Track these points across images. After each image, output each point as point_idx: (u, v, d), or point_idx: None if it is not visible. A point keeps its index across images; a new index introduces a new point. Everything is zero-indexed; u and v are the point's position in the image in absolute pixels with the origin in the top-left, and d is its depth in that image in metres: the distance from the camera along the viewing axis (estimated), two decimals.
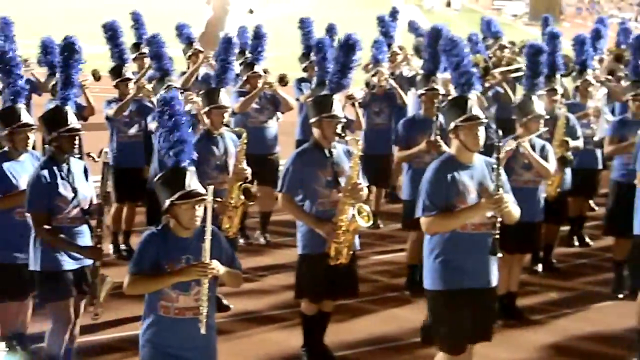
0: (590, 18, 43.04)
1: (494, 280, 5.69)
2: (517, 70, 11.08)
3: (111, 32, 10.06)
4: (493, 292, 5.79)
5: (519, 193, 6.17)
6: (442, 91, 8.33)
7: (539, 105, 7.78)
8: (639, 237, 6.88)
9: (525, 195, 7.23)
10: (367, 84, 10.42)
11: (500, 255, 5.57)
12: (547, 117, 7.90)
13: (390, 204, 11.26)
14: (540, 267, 9.16)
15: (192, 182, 4.98)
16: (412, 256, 8.34)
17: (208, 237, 4.86)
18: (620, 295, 8.36)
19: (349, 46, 6.99)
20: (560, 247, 9.79)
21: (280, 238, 9.96)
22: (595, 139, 9.59)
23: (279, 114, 10.05)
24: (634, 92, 8.55)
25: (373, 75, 10.38)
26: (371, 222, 6.50)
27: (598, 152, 9.76)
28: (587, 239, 10.15)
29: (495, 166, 5.48)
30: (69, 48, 6.50)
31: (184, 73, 10.68)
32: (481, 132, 5.58)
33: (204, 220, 4.89)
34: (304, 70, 10.90)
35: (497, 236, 5.45)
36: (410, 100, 11.01)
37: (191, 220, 4.93)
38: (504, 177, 5.67)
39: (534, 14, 47.23)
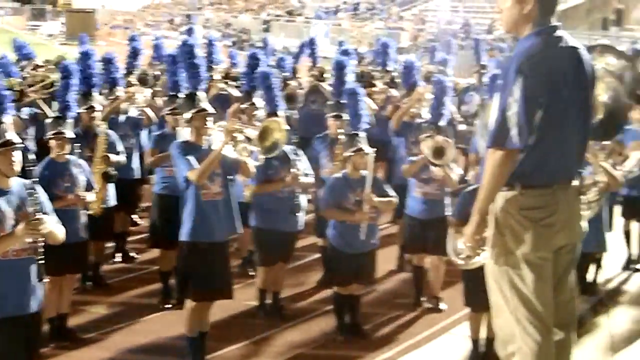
0: (124, 36, 43.97)
1: (38, 305, 5.72)
2: (52, 84, 11.14)
3: None
4: (38, 318, 5.82)
5: (62, 214, 6.30)
6: None
7: (69, 125, 7.88)
8: (183, 243, 7.16)
9: (69, 215, 7.35)
10: None
11: (47, 279, 5.60)
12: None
13: None
14: (89, 284, 9.25)
15: None
16: None
17: None
18: (168, 305, 8.70)
19: None
20: (108, 264, 9.96)
21: None
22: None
23: None
24: (171, 107, 8.99)
25: None
26: None
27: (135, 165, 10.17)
28: (133, 254, 10.40)
29: (32, 189, 5.50)
30: None
31: None
32: (17, 156, 5.60)
33: None
34: None
35: (42, 261, 5.46)
36: None
37: None
38: (43, 197, 5.73)
39: (70, 33, 47.34)
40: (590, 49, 6.02)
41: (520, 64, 4.30)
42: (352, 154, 7.95)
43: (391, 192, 8.10)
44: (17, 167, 5.61)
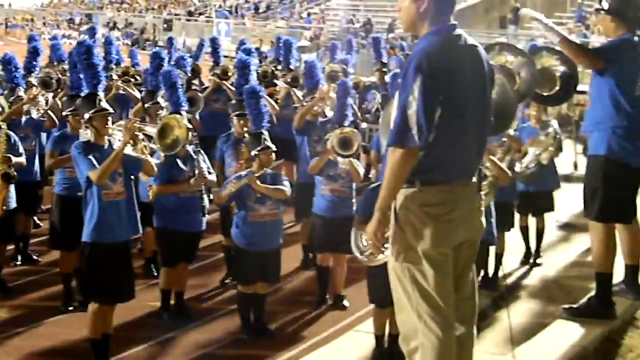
0: (23, 35, 43.19)
1: None
2: None
3: None
4: None
5: None
6: None
7: None
8: (85, 244, 7.03)
9: None
10: None
11: None
12: None
13: None
14: None
15: None
16: None
17: None
18: (71, 308, 8.56)
19: None
20: (9, 267, 9.75)
21: None
22: None
23: None
24: (72, 107, 8.75)
25: None
26: None
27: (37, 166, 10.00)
28: (34, 256, 10.24)
29: None
30: None
31: None
32: None
33: None
34: None
35: None
36: None
37: None
38: None
39: None
40: (490, 47, 6.13)
41: (419, 63, 4.32)
42: (259, 152, 7.97)
43: (286, 184, 8.11)
44: None
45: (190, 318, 8.54)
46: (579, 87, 7.63)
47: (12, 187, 8.74)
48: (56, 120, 10.08)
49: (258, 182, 7.83)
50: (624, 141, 6.58)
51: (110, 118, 7.23)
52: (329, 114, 9.91)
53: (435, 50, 4.38)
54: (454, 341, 4.55)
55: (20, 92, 10.38)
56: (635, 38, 6.62)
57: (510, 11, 35.46)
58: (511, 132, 8.54)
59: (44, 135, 10.39)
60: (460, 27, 4.59)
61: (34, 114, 10.28)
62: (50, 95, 11.13)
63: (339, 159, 8.58)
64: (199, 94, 12.15)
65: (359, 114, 12.02)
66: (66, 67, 12.63)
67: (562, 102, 9.45)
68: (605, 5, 6.65)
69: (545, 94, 7.21)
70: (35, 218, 11.03)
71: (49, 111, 10.31)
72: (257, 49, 18.77)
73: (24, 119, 10.10)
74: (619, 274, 7.16)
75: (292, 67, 14.14)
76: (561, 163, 11.02)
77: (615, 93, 6.55)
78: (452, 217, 4.51)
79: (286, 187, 8.06)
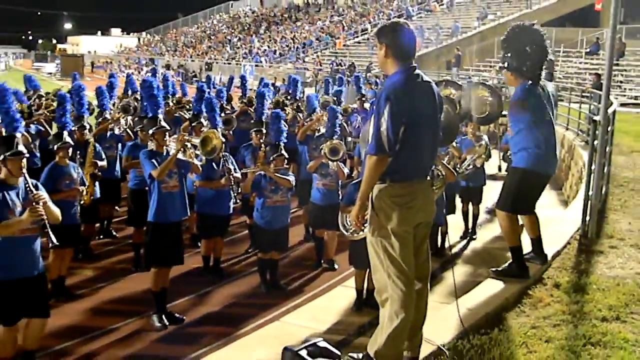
0: (105, 74, 43.17)
1: (41, 269, 5.55)
2: (53, 110, 10.90)
3: None
4: (43, 278, 5.63)
5: (63, 204, 6.23)
6: None
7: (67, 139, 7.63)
8: (150, 223, 7.05)
9: (68, 205, 7.21)
10: None
11: (55, 244, 5.34)
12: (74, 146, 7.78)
13: None
14: (80, 255, 8.95)
15: None
16: None
17: None
18: (139, 269, 8.52)
19: None
20: (95, 240, 9.68)
21: None
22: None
23: None
24: (141, 125, 8.81)
25: None
26: None
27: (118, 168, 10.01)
28: (113, 232, 10.21)
29: (26, 185, 5.34)
30: None
31: None
32: (24, 162, 5.43)
33: None
34: None
35: (49, 230, 5.26)
36: None
37: None
38: (43, 190, 5.54)
39: (64, 72, 47.18)
40: (439, 83, 6.10)
41: (389, 94, 4.30)
42: (275, 157, 7.98)
43: (291, 177, 8.08)
44: (24, 170, 5.42)
45: (223, 277, 8.53)
46: (503, 112, 7.60)
47: (96, 183, 8.74)
48: (132, 135, 10.12)
49: (270, 170, 7.88)
50: (539, 157, 6.49)
51: (167, 133, 7.26)
52: (323, 130, 9.93)
53: (400, 84, 4.35)
54: (414, 293, 4.52)
55: (107, 114, 10.52)
56: (530, 82, 6.52)
57: (453, 57, 35.40)
58: (454, 144, 8.53)
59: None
60: (419, 68, 4.56)
61: (117, 131, 10.39)
62: (129, 117, 11.22)
63: (330, 162, 8.60)
64: (232, 116, 12.15)
65: (347, 130, 12.03)
66: (138, 96, 12.65)
67: (491, 122, 9.40)
68: (506, 64, 6.61)
69: (478, 116, 7.17)
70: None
71: (127, 129, 10.40)
72: (273, 84, 18.74)
73: (109, 134, 10.19)
74: (529, 247, 7.12)
75: (297, 97, 14.15)
76: (489, 166, 11.00)
77: (531, 124, 6.46)
78: (413, 205, 4.47)
79: (291, 178, 8.06)
